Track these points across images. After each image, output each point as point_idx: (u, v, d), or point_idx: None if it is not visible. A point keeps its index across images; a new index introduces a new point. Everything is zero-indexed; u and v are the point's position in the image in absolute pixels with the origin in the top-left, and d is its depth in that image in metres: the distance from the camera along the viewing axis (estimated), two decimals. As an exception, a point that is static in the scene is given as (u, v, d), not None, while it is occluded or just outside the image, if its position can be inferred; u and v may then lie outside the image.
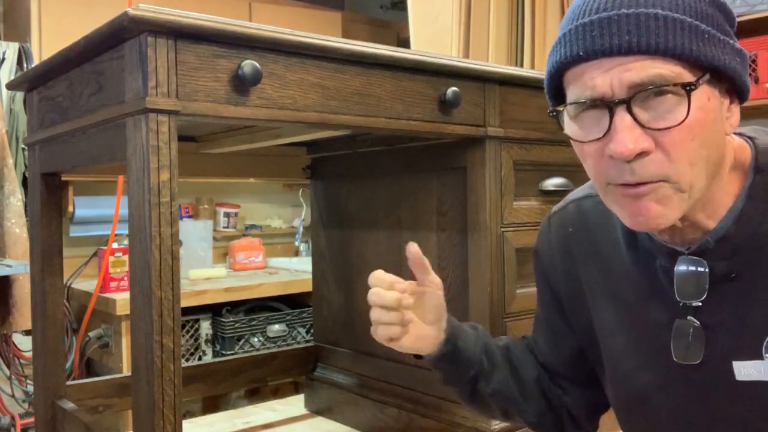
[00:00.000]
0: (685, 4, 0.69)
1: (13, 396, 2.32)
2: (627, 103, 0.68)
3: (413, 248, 0.90)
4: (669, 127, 0.68)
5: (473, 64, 1.25)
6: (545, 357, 1.01)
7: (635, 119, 0.68)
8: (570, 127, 0.75)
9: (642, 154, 0.68)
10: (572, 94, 0.73)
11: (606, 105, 0.69)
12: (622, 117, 0.68)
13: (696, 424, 0.81)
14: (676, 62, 0.67)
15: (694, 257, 0.77)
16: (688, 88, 0.67)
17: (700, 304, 0.77)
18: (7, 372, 2.31)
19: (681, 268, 0.78)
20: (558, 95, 0.78)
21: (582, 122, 0.73)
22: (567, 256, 0.94)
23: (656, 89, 0.68)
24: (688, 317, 0.79)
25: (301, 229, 3.30)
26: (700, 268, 0.77)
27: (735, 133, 0.79)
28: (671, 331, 0.80)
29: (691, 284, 0.77)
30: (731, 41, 0.71)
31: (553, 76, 0.75)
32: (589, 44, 0.69)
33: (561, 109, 0.75)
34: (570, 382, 0.99)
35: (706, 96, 0.69)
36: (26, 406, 2.35)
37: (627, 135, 0.68)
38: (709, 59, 0.68)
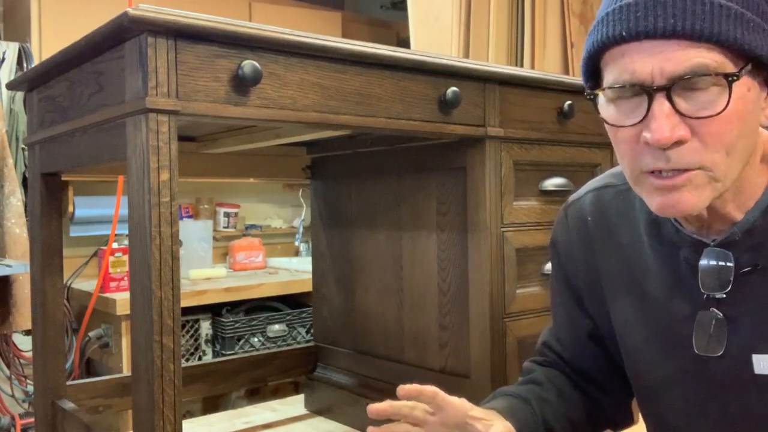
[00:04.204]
0: None
1: (13, 396, 2.32)
2: (667, 90, 0.67)
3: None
4: (708, 117, 0.67)
5: (473, 64, 1.25)
6: (571, 353, 0.98)
7: (674, 107, 0.67)
8: (606, 111, 0.74)
9: (678, 143, 0.68)
10: (610, 76, 0.72)
11: (645, 91, 0.68)
12: (661, 104, 0.67)
13: (712, 417, 0.81)
14: (720, 50, 0.66)
15: (720, 249, 0.76)
16: (730, 78, 0.66)
17: (724, 296, 0.77)
18: (7, 372, 2.31)
19: (706, 259, 0.77)
20: (594, 77, 0.76)
21: (619, 106, 0.72)
22: (586, 246, 0.93)
23: (698, 78, 0.66)
24: (711, 309, 0.78)
25: (301, 229, 3.30)
26: (725, 261, 0.76)
27: (763, 126, 0.78)
28: (693, 323, 0.80)
29: (715, 276, 0.77)
30: None
31: (592, 56, 0.74)
32: (632, 24, 0.68)
33: (598, 92, 0.74)
34: (601, 388, 0.96)
35: (746, 87, 0.68)
36: (26, 406, 2.35)
37: (665, 123, 0.67)
38: (752, 48, 0.67)
